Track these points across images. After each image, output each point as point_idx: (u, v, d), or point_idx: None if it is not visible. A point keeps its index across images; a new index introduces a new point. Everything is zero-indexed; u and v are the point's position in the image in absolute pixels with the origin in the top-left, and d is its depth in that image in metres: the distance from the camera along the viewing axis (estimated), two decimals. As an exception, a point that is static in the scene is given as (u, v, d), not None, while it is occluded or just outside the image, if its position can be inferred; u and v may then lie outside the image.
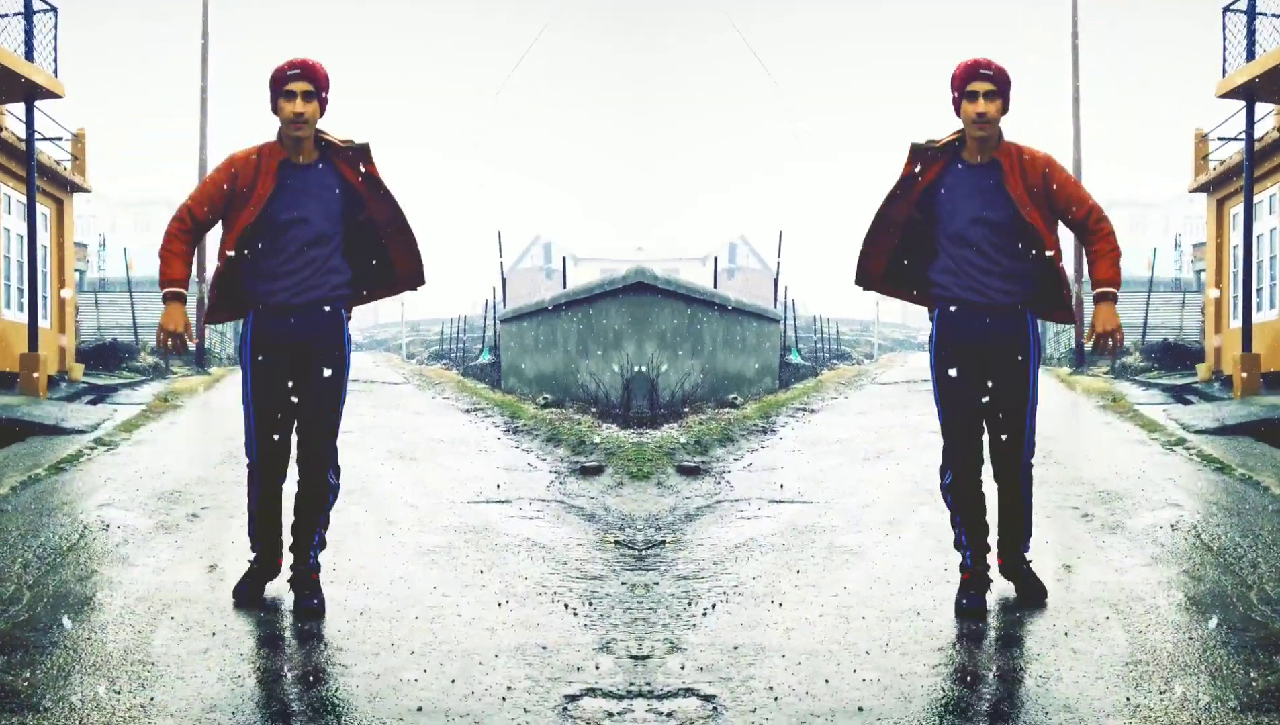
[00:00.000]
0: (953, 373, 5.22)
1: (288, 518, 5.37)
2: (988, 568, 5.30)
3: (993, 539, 5.38)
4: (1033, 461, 5.37)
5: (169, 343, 5.10)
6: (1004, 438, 5.26)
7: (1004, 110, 5.07)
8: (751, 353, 18.24)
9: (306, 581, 5.23)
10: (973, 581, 5.25)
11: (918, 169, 5.17)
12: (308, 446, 5.27)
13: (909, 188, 5.19)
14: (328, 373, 5.21)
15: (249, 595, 5.28)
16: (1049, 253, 5.11)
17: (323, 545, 5.33)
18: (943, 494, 5.42)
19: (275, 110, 5.09)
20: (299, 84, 5.00)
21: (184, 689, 4.16)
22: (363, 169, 5.17)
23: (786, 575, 5.93)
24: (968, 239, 5.11)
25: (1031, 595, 5.27)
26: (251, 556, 5.38)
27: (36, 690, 4.12)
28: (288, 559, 5.37)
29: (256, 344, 5.19)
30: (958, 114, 5.10)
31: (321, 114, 5.12)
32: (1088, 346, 5.23)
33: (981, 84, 5.00)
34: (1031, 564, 5.40)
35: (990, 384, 5.21)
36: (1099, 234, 5.16)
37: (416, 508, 7.82)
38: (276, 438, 5.25)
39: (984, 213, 5.08)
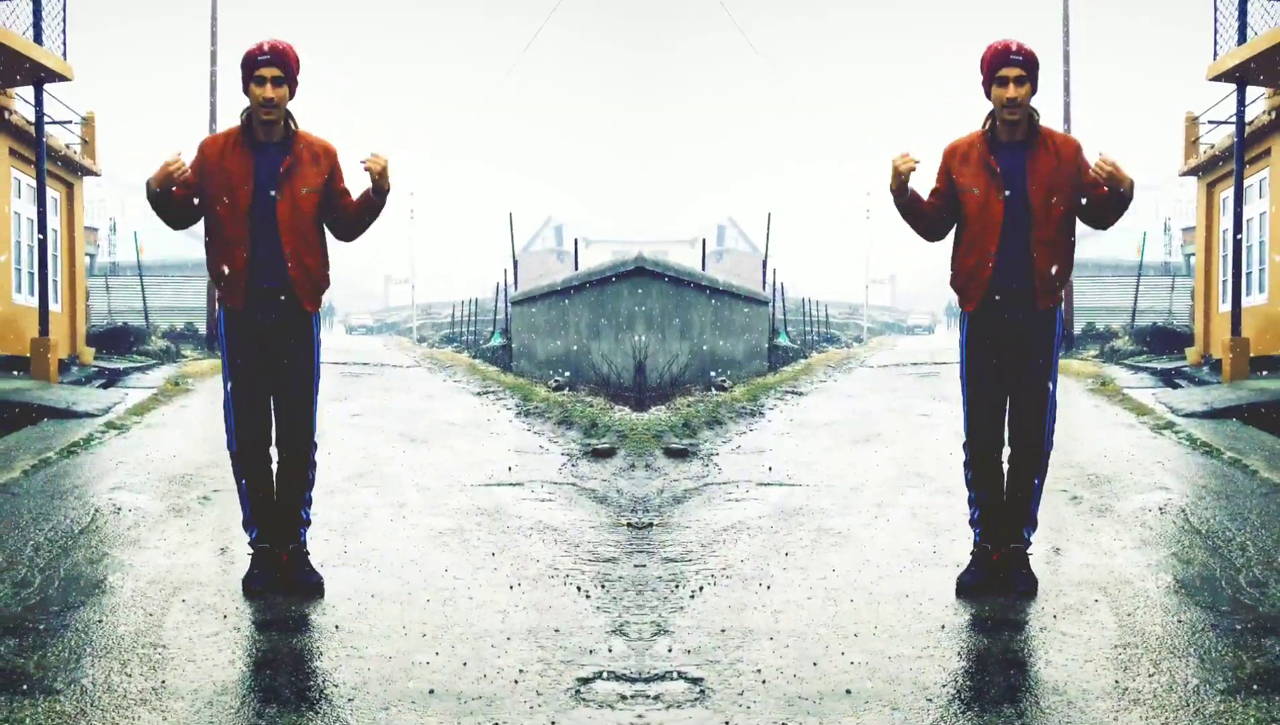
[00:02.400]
0: (984, 349, 5.23)
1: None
2: (993, 550, 5.32)
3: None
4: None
5: (173, 171, 4.94)
6: (1027, 418, 5.24)
7: (1033, 93, 5.09)
8: (740, 335, 18.21)
9: (302, 560, 5.28)
10: (978, 560, 5.30)
11: (966, 165, 5.18)
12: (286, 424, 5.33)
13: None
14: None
15: (263, 582, 5.22)
16: (1071, 238, 5.16)
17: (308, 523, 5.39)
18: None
19: (246, 92, 5.09)
20: (269, 70, 5.01)
21: (195, 672, 4.15)
22: (316, 169, 5.17)
23: (775, 558, 5.91)
24: (1007, 217, 5.12)
25: (1021, 585, 5.22)
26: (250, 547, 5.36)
27: (48, 673, 4.11)
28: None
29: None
30: (988, 97, 5.12)
31: (291, 97, 5.13)
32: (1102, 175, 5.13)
33: (1011, 69, 5.03)
34: (1031, 555, 5.38)
35: (1015, 362, 5.22)
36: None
37: (428, 490, 7.78)
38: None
39: (1014, 188, 5.09)
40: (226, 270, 5.09)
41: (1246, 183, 17.13)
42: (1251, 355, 15.56)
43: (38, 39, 15.35)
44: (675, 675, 4.16)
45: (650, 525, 6.64)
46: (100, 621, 4.74)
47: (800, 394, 14.82)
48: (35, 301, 16.24)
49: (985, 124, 5.19)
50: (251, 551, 5.31)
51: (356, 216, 5.24)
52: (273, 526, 5.30)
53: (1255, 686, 3.99)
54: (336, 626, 4.72)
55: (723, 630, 4.66)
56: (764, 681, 4.07)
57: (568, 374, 15.34)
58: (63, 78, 15.84)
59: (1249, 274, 17.38)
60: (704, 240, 25.09)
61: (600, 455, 9.17)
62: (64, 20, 16.00)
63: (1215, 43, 16.13)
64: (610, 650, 4.44)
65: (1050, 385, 5.22)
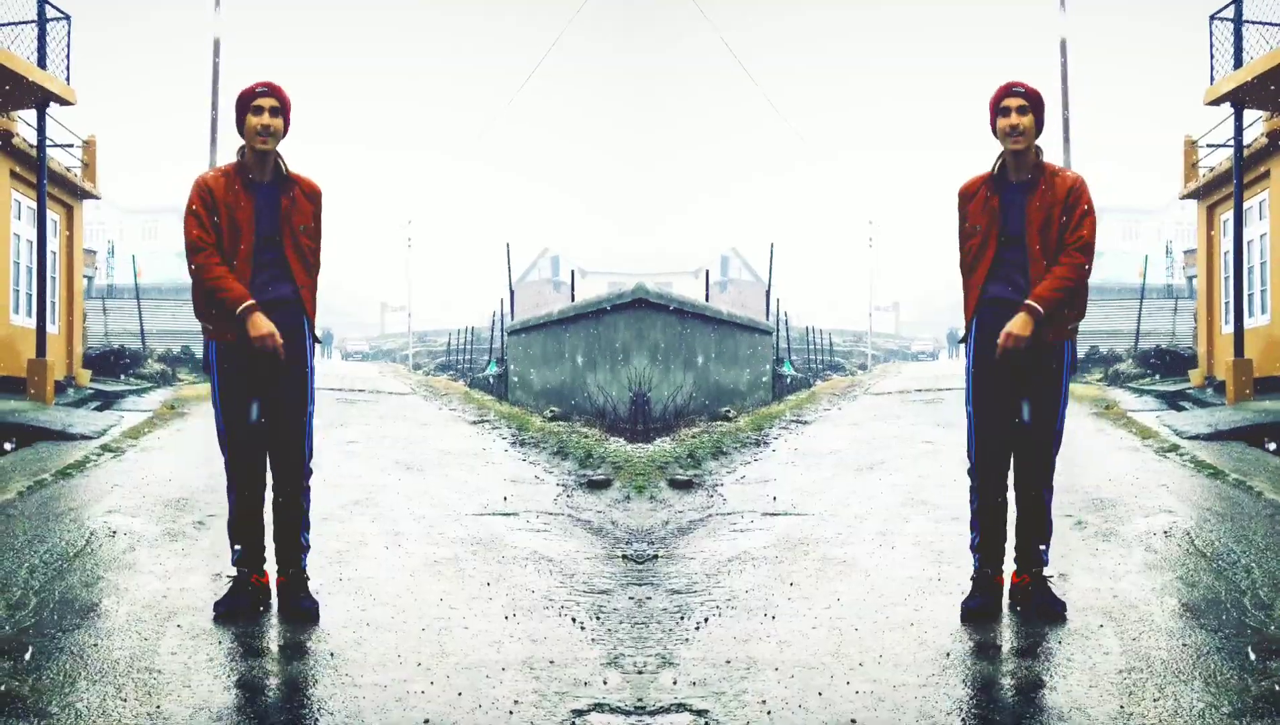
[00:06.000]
0: (987, 377, 5.28)
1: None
2: (995, 574, 5.33)
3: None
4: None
5: (271, 343, 5.10)
6: (1031, 444, 5.28)
7: (1038, 128, 5.24)
8: (744, 365, 18.22)
9: (301, 585, 5.32)
10: (980, 585, 5.30)
11: (971, 205, 5.30)
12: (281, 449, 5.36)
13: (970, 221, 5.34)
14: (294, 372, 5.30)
15: (230, 611, 5.22)
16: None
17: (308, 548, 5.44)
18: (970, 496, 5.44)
19: (241, 127, 5.24)
20: (267, 100, 5.20)
21: (190, 698, 4.15)
22: (310, 207, 5.30)
23: (779, 588, 5.91)
24: (1001, 253, 5.25)
25: (1056, 607, 5.25)
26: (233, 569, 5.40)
27: (43, 696, 4.11)
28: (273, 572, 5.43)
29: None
30: (994, 133, 5.28)
31: (285, 133, 5.27)
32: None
33: (1013, 100, 5.21)
34: (1051, 580, 5.40)
35: (1021, 389, 5.26)
36: (1067, 263, 5.17)
37: (423, 519, 7.79)
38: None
39: (1012, 228, 5.23)
40: (225, 305, 5.14)
41: (1246, 205, 17.18)
42: (1255, 376, 15.56)
43: (41, 63, 15.48)
44: (680, 708, 4.16)
45: (655, 557, 6.64)
46: (95, 645, 4.75)
47: (805, 423, 14.83)
48: (33, 323, 16.34)
49: (995, 164, 5.31)
50: (235, 573, 5.36)
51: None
52: (262, 552, 5.35)
53: (1261, 709, 3.99)
54: (332, 654, 4.73)
55: (728, 661, 4.67)
56: (769, 713, 4.07)
57: (555, 410, 15.35)
58: (65, 101, 15.96)
59: (1251, 296, 17.39)
60: (707, 271, 25.12)
61: (596, 486, 9.18)
62: (68, 45, 16.15)
63: (1212, 67, 16.20)
64: (605, 682, 4.45)
65: (1056, 416, 5.26)
